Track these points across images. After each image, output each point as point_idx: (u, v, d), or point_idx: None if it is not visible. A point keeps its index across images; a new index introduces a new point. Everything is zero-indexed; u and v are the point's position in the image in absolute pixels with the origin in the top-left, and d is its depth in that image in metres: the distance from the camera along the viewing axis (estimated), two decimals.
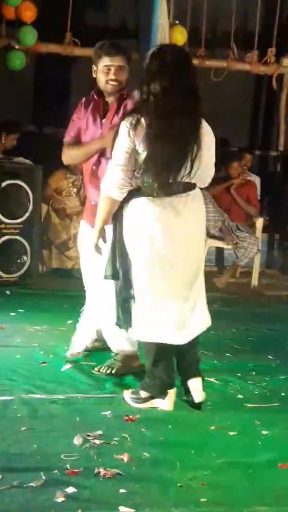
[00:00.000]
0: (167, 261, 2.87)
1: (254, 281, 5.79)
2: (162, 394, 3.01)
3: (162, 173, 2.76)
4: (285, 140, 6.76)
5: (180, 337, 2.95)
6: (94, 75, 3.33)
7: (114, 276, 3.00)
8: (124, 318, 3.03)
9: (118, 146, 2.83)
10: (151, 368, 3.02)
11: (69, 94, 6.43)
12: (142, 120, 2.75)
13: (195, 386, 3.05)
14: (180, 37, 6.00)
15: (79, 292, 5.06)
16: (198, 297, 3.01)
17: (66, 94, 6.41)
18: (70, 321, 4.30)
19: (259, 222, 5.85)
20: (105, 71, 3.27)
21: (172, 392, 3.03)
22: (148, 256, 2.87)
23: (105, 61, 3.27)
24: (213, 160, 2.93)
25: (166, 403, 3.01)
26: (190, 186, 2.89)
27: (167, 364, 3.02)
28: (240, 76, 6.36)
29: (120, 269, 2.98)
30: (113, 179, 2.86)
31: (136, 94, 2.87)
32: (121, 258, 2.97)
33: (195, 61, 6.12)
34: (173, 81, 2.72)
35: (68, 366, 3.48)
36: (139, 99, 2.81)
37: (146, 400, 3.03)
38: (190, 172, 2.80)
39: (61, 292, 5.10)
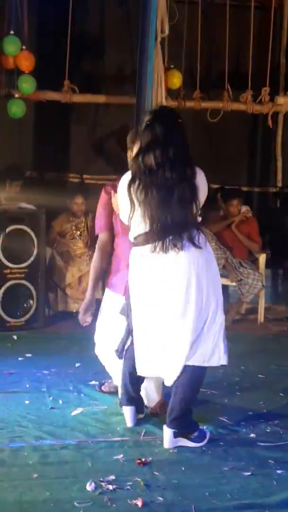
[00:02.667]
0: (149, 305, 3.05)
1: (260, 317, 5.78)
2: (122, 406, 3.34)
3: (159, 236, 2.95)
4: (283, 176, 6.84)
5: (143, 370, 3.15)
6: (129, 160, 3.37)
7: (122, 312, 3.33)
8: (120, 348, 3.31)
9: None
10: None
11: (68, 140, 6.54)
12: (137, 189, 2.96)
13: (164, 434, 3.08)
14: (175, 80, 6.12)
15: (86, 335, 5.09)
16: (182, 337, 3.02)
17: (65, 140, 6.52)
18: (78, 364, 4.29)
19: (262, 258, 5.87)
20: None
21: (126, 410, 3.30)
22: (134, 299, 3.12)
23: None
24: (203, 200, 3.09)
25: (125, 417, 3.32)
26: (191, 226, 2.99)
27: (124, 380, 3.29)
28: (236, 116, 6.47)
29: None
30: None
31: (132, 163, 3.04)
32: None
33: (191, 103, 6.27)
34: (163, 154, 2.91)
35: (78, 411, 3.46)
36: (136, 169, 2.98)
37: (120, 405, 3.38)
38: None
39: (68, 335, 5.09)
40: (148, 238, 2.97)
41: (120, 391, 3.41)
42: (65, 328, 5.32)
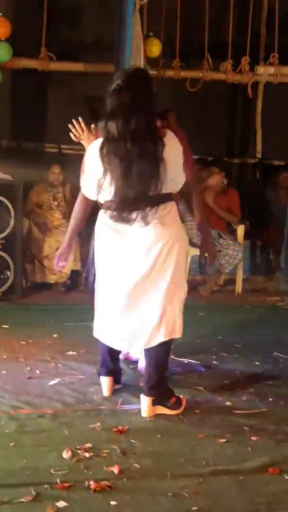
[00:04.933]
0: (109, 274, 3.08)
1: (238, 288, 5.81)
2: (100, 376, 3.35)
3: (120, 207, 2.97)
4: (262, 147, 6.82)
5: (114, 342, 3.18)
6: None
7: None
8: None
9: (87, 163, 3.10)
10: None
11: (46, 109, 6.44)
12: (105, 156, 2.93)
13: (142, 402, 3.10)
14: (154, 48, 6.03)
15: (64, 306, 5.09)
16: (149, 313, 3.03)
17: (43, 109, 6.43)
18: (55, 335, 4.29)
19: (241, 229, 5.87)
20: None
21: (103, 380, 3.31)
22: (98, 264, 3.14)
23: None
24: (181, 169, 3.01)
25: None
26: (156, 200, 2.95)
27: (103, 353, 3.30)
28: (216, 86, 6.42)
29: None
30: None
31: (100, 129, 3.03)
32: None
33: (171, 72, 6.19)
34: (125, 124, 2.86)
35: (55, 380, 3.47)
36: (104, 134, 2.96)
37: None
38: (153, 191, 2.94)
39: (46, 306, 5.09)
40: (112, 206, 2.98)
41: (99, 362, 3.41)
42: (43, 299, 5.31)
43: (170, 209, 3.02)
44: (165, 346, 3.10)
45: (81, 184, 3.19)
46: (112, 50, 5.51)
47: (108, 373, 3.33)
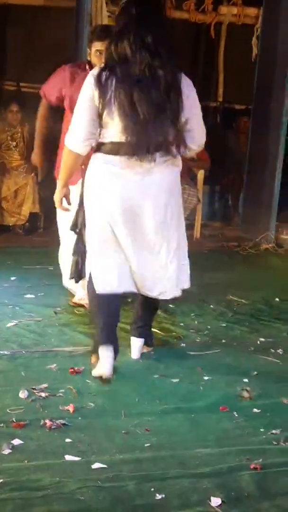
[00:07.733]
0: (113, 224, 2.81)
1: (197, 233, 5.86)
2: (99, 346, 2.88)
3: (135, 143, 2.63)
4: (224, 91, 6.76)
5: (119, 285, 2.87)
6: (88, 58, 3.46)
7: (73, 228, 2.98)
8: (75, 270, 3.01)
9: (82, 97, 2.66)
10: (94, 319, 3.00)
11: (4, 45, 6.22)
12: (113, 81, 2.57)
13: (135, 344, 3.13)
14: None
15: (22, 248, 5.06)
16: (156, 262, 2.97)
17: (1, 44, 6.20)
18: (13, 278, 4.28)
19: (200, 174, 5.87)
20: (97, 55, 3.36)
21: (105, 351, 2.84)
22: (96, 214, 2.81)
23: (96, 46, 3.36)
24: (197, 117, 2.91)
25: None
26: (164, 149, 2.76)
27: (103, 315, 2.90)
28: (179, 26, 6.28)
29: (80, 223, 2.91)
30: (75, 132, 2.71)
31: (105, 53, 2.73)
32: (82, 211, 2.89)
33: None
34: (139, 42, 2.51)
35: (12, 323, 3.48)
36: (108, 59, 2.63)
37: (95, 350, 2.92)
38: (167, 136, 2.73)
39: (4, 249, 5.04)
40: (121, 147, 2.64)
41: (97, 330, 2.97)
42: (1, 241, 5.26)
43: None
44: None
45: (69, 138, 2.73)
46: None
47: (109, 341, 2.85)
